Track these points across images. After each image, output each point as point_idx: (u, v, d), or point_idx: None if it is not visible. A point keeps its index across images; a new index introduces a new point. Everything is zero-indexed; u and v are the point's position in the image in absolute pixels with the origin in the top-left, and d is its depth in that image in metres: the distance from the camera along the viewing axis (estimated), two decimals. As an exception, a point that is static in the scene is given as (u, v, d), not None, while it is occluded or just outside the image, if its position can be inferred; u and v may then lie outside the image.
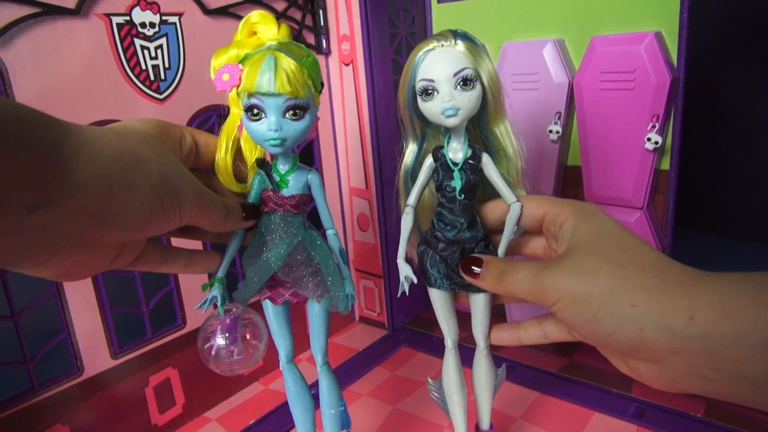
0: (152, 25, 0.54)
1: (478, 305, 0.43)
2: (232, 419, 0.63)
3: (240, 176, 0.42)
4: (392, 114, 0.75)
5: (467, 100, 0.37)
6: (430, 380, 0.48)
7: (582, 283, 0.32)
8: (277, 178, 0.41)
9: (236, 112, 0.40)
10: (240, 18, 0.62)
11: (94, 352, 0.54)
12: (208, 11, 0.59)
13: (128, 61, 0.53)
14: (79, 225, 0.28)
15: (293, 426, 0.48)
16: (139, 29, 0.53)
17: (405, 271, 0.42)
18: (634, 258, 0.32)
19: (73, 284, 0.51)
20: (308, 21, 0.71)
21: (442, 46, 0.38)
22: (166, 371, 0.61)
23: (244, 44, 0.38)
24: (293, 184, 0.41)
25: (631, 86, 0.57)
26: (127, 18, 0.52)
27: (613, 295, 0.30)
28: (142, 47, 0.54)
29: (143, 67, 0.54)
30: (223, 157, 0.40)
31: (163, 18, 0.55)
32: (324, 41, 0.73)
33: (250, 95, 0.37)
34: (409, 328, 0.81)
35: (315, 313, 0.44)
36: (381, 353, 0.75)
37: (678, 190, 0.59)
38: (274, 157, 0.41)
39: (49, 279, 0.34)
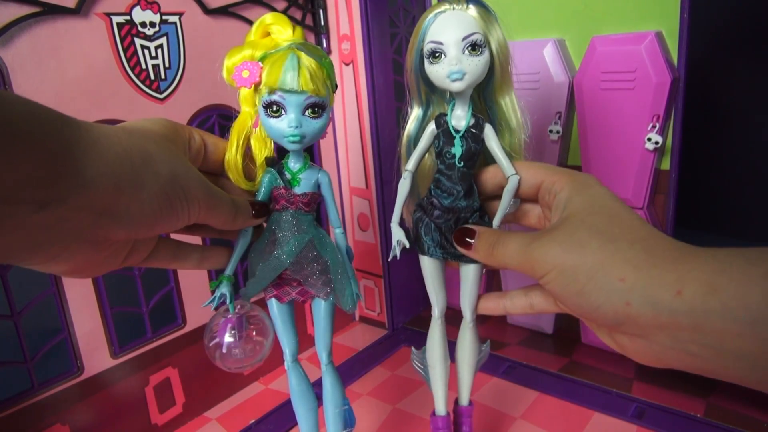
0: (152, 24, 0.54)
1: (468, 276, 0.43)
2: (232, 419, 0.63)
3: (249, 174, 0.42)
4: (392, 114, 0.75)
5: (474, 65, 0.37)
6: (414, 350, 0.48)
7: (571, 256, 0.31)
8: (289, 176, 0.41)
9: (247, 111, 0.40)
10: (240, 18, 0.63)
11: (94, 351, 0.54)
12: (208, 11, 0.59)
13: (128, 60, 0.53)
14: (87, 222, 0.28)
15: (293, 425, 0.48)
16: (140, 29, 0.53)
17: (398, 235, 0.42)
18: (626, 232, 0.31)
19: (73, 284, 0.51)
20: (308, 21, 0.71)
21: (454, 9, 0.37)
22: (166, 371, 0.61)
23: (258, 45, 0.39)
24: (305, 182, 0.41)
25: (631, 86, 0.57)
26: (128, 17, 0.52)
27: (602, 268, 0.30)
28: (143, 47, 0.54)
29: (143, 66, 0.54)
30: (233, 154, 0.40)
31: (164, 17, 0.55)
32: (324, 41, 0.73)
33: (272, 92, 0.37)
34: (409, 328, 0.81)
35: (321, 311, 0.44)
36: (381, 353, 0.75)
37: (678, 190, 0.59)
38: (282, 156, 0.41)
39: (60, 275, 0.34)
